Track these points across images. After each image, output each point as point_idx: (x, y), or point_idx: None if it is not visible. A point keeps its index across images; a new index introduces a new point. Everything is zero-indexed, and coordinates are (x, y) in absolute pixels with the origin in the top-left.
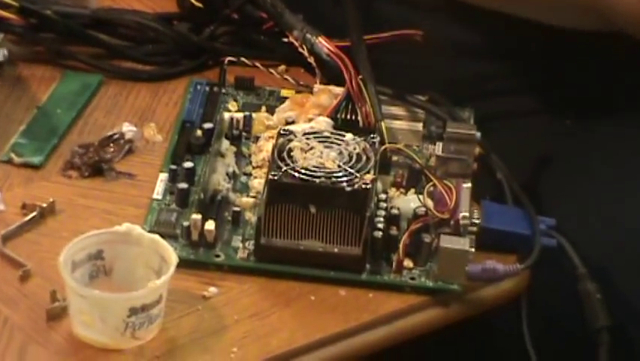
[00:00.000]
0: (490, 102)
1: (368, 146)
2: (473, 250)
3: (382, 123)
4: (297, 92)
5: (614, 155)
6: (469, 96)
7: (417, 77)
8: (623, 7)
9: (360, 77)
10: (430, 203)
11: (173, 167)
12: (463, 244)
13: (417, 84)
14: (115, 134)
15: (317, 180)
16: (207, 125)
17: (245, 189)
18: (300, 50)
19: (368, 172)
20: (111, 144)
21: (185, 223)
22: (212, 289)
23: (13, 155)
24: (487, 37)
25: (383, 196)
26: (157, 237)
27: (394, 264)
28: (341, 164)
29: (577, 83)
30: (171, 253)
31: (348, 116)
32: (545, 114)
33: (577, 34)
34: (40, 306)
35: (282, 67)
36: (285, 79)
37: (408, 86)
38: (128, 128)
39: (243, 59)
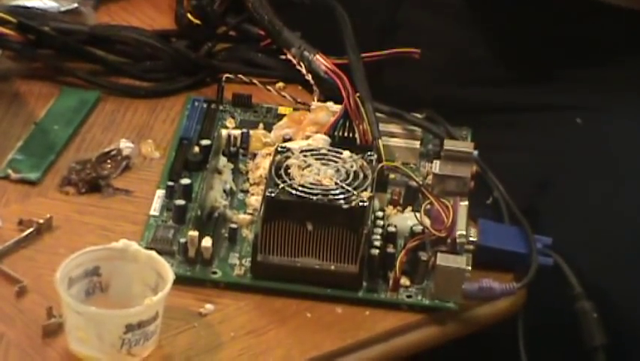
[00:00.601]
0: (488, 117)
1: (365, 163)
2: (470, 268)
3: (380, 141)
4: (295, 109)
5: (611, 174)
6: (467, 112)
7: (414, 91)
8: None
9: (357, 94)
10: (426, 221)
11: (171, 183)
12: (460, 262)
13: (414, 98)
14: (112, 150)
15: (314, 198)
16: (205, 142)
17: (242, 206)
18: (298, 67)
19: (365, 190)
20: (108, 161)
21: (182, 240)
22: (209, 306)
23: (10, 171)
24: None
25: (380, 214)
26: (154, 253)
27: (391, 282)
28: (338, 181)
29: (569, 100)
30: (168, 270)
31: (346, 134)
32: (541, 128)
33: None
34: (36, 322)
35: (280, 84)
36: (283, 96)
37: (405, 101)
38: (125, 145)
39: (240, 76)
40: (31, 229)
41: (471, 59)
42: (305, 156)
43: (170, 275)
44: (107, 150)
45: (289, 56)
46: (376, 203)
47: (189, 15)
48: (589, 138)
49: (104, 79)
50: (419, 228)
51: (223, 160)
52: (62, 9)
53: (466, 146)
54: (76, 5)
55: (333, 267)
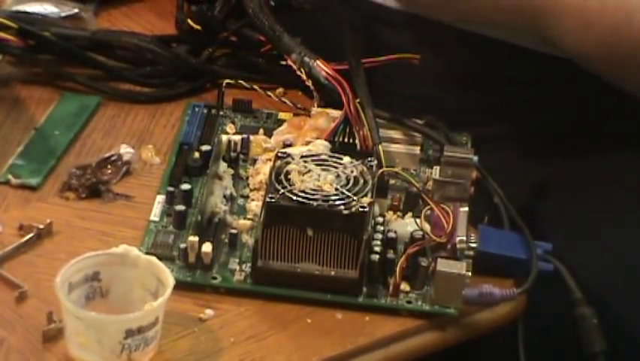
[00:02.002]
0: (488, 123)
1: (365, 169)
2: (470, 274)
3: (380, 147)
4: (295, 114)
5: (611, 180)
6: (466, 118)
7: (414, 98)
8: (564, 27)
9: (357, 100)
10: (427, 227)
11: (171, 189)
12: (460, 268)
13: (414, 105)
14: (112, 155)
15: (314, 203)
16: (205, 148)
17: (242, 211)
18: (298, 73)
19: (365, 195)
20: (109, 166)
21: (182, 245)
22: (209, 312)
23: (10, 176)
24: (484, 61)
25: (380, 219)
26: (154, 259)
27: (391, 287)
28: (338, 187)
29: (570, 106)
30: (168, 275)
31: (346, 140)
32: (541, 135)
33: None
34: (36, 328)
35: (280, 90)
36: (283, 102)
37: (405, 108)
38: (125, 150)
39: (241, 81)
40: (31, 235)
41: (469, 81)
42: (305, 161)
43: (170, 280)
44: (107, 155)
45: (289, 62)
46: (376, 209)
47: (190, 20)
48: (588, 143)
49: (104, 84)
50: (419, 233)
51: (223, 166)
52: (63, 14)
53: (466, 152)
54: (76, 11)
55: (333, 272)
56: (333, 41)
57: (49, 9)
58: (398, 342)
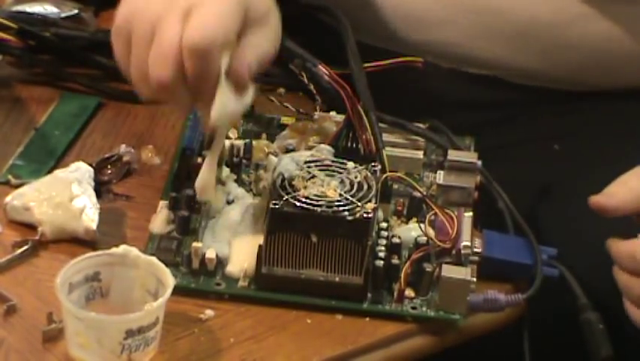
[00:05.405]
0: (485, 130)
1: (369, 174)
2: (475, 279)
3: (383, 152)
4: (298, 119)
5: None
6: (470, 121)
7: (415, 105)
8: None
9: (360, 104)
10: (431, 232)
11: (174, 194)
12: (465, 273)
13: (414, 112)
14: (112, 156)
15: (318, 210)
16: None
17: None
18: (300, 78)
19: (369, 201)
20: (109, 166)
21: (186, 251)
22: (209, 312)
23: (10, 176)
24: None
25: (384, 225)
26: (154, 259)
27: (396, 293)
28: (342, 193)
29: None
30: (168, 276)
31: (349, 144)
32: (534, 140)
33: None
34: (36, 328)
35: (281, 90)
36: (285, 106)
37: (407, 113)
38: (125, 151)
39: None
40: (31, 235)
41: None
42: (309, 167)
43: (170, 281)
44: (107, 155)
45: (291, 67)
46: (380, 214)
47: None
48: (594, 149)
49: (104, 85)
50: (423, 239)
51: (226, 171)
52: (63, 15)
53: (470, 156)
54: (77, 11)
55: (337, 278)
56: (334, 46)
57: (49, 9)
58: (398, 343)
